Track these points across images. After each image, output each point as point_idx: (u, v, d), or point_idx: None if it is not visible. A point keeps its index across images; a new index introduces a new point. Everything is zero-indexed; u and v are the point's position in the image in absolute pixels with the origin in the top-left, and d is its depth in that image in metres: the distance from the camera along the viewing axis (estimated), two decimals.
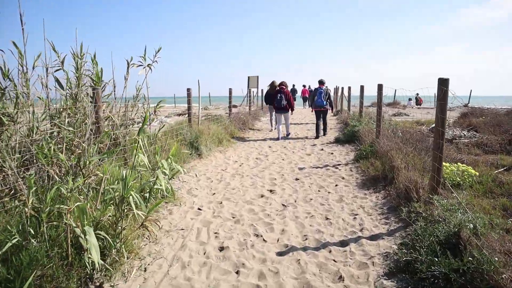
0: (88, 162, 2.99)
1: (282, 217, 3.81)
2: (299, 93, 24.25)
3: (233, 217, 3.82)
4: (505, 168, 4.68)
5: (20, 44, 3.67)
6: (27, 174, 2.84)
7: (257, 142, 9.01)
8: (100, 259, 2.34)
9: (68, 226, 2.36)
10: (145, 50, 5.83)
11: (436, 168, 3.13)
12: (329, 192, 4.62)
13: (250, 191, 4.74)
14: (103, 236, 2.56)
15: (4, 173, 3.01)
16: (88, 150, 3.32)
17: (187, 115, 7.77)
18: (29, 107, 3.66)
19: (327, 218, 3.73)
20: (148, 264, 2.80)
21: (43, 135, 3.59)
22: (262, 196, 4.55)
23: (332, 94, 11.41)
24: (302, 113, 18.59)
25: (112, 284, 2.48)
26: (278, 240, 3.25)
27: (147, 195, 3.86)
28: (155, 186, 3.96)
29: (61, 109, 4.00)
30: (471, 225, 2.42)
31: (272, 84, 10.59)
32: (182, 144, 6.65)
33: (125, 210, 2.79)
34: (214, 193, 4.68)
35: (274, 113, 10.29)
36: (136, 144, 3.39)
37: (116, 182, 2.96)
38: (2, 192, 2.92)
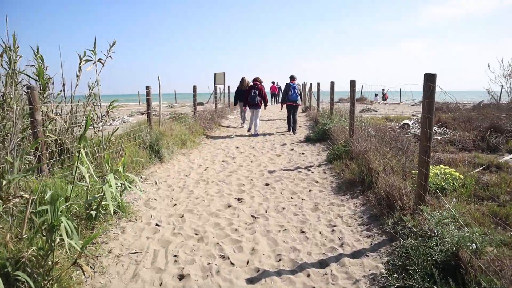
0: (9, 181, 2.38)
1: (251, 232, 3.38)
2: (267, 89, 24.11)
3: (196, 234, 3.34)
4: (482, 167, 4.53)
5: None
6: None
7: (224, 142, 8.51)
8: None
9: None
10: (94, 43, 5.13)
11: (423, 174, 2.82)
12: (302, 199, 4.24)
13: (216, 201, 4.26)
14: (24, 279, 2.00)
15: None
16: (14, 164, 2.70)
17: (146, 115, 7.11)
18: None
19: (303, 231, 3.34)
20: None
21: None
22: (229, 206, 4.08)
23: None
24: (270, 109, 18.35)
25: None
26: (247, 263, 2.81)
27: (93, 212, 3.29)
28: (103, 202, 3.41)
29: None
30: (474, 246, 2.11)
31: (243, 81, 10.38)
32: (141, 148, 6.03)
33: (56, 240, 2.23)
34: (175, 204, 4.16)
35: (245, 108, 9.92)
36: (78, 154, 2.83)
37: (45, 204, 2.38)
38: None
